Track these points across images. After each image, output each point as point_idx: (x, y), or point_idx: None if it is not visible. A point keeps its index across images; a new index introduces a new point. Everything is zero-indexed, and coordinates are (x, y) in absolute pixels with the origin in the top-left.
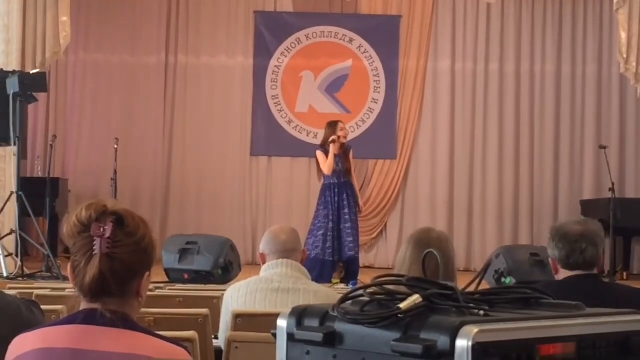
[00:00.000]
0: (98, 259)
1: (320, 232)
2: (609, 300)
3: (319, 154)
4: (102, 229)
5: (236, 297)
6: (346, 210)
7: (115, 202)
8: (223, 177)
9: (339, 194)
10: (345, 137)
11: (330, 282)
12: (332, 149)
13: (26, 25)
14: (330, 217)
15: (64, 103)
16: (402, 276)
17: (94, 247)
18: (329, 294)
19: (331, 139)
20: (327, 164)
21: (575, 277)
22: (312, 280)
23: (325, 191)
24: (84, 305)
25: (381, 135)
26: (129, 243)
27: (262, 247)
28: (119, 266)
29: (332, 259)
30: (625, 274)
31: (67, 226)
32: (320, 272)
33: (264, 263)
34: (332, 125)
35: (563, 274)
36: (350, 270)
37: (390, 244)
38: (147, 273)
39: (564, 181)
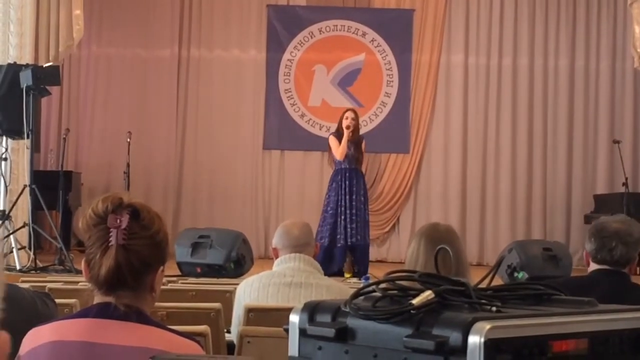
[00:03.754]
0: (114, 250)
1: (332, 220)
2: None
3: (332, 138)
4: (118, 220)
5: (249, 291)
6: (354, 197)
7: (131, 195)
8: (235, 170)
9: (349, 178)
10: (348, 127)
11: (341, 268)
12: (346, 135)
13: (39, 19)
14: (340, 203)
15: (76, 96)
16: (415, 272)
17: (110, 239)
18: (341, 288)
19: (345, 126)
20: (339, 149)
21: (597, 271)
22: (324, 268)
23: (336, 176)
24: (97, 298)
25: (394, 129)
26: (144, 236)
27: (275, 241)
28: (135, 258)
29: (341, 244)
30: (638, 269)
31: (83, 219)
32: (330, 258)
33: (276, 257)
34: (342, 114)
35: (591, 267)
36: (354, 258)
37: (403, 238)
38: (161, 267)
39: (577, 176)
